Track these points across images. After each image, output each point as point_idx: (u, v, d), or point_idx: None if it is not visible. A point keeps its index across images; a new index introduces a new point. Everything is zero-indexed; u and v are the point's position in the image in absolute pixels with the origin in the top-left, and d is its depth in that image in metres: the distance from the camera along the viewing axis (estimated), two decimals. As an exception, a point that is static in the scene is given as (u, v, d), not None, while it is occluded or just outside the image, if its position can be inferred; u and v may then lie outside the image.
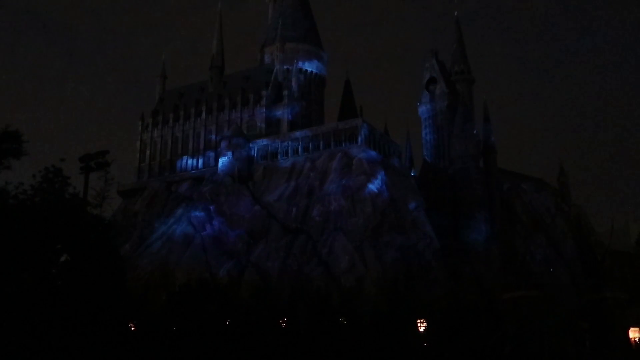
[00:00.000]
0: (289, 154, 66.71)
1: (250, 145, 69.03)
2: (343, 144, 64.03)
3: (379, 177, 61.56)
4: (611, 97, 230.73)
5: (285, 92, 72.74)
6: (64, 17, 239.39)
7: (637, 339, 45.11)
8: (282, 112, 72.00)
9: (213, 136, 74.02)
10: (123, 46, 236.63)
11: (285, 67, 75.82)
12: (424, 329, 37.09)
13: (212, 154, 72.99)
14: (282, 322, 38.99)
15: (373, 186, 60.13)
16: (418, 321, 37.68)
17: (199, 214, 62.65)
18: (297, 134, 67.80)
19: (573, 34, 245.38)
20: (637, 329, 45.54)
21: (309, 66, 79.86)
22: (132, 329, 33.46)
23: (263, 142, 68.99)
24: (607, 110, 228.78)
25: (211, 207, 62.83)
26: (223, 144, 68.87)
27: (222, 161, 68.22)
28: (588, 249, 74.98)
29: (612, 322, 44.68)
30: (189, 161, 74.89)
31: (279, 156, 67.24)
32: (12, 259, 15.64)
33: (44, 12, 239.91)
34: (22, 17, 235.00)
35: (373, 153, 64.39)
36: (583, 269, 70.11)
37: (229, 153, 67.88)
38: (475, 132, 73.42)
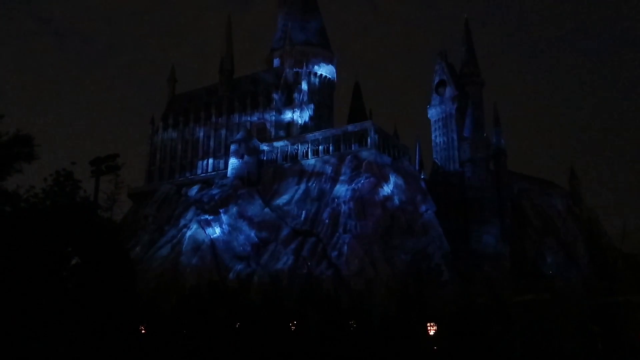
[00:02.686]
0: (299, 157, 66.78)
1: (260, 148, 69.18)
2: (353, 147, 64.02)
3: (389, 180, 61.47)
4: (623, 99, 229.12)
5: (295, 95, 72.83)
6: (74, 22, 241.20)
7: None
8: (292, 115, 72.12)
9: (223, 139, 74.24)
10: (133, 50, 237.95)
11: (294, 70, 75.95)
12: (434, 333, 36.90)
13: (221, 157, 73.22)
14: (291, 325, 38.94)
15: (383, 189, 60.04)
16: (428, 325, 37.48)
17: (208, 217, 62.76)
18: (307, 137, 67.84)
19: (584, 35, 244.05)
20: (650, 332, 45.07)
21: (319, 69, 79.95)
22: (143, 331, 33.59)
23: (273, 145, 69.10)
24: (619, 112, 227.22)
25: (221, 210, 62.93)
26: (233, 147, 69.02)
27: (232, 164, 68.37)
28: (600, 251, 74.49)
29: (625, 325, 44.29)
30: (199, 164, 75.17)
31: (288, 159, 67.34)
32: (23, 261, 15.74)
33: (54, 18, 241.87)
34: (33, 23, 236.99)
35: (383, 156, 64.33)
36: (595, 272, 69.64)
37: (239, 156, 68.01)
38: (485, 135, 73.21)
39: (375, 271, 54.01)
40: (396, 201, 60.65)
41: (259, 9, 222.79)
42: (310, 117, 73.61)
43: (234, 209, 62.73)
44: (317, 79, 79.71)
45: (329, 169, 63.43)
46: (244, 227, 61.78)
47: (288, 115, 72.29)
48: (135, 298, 22.83)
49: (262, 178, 67.27)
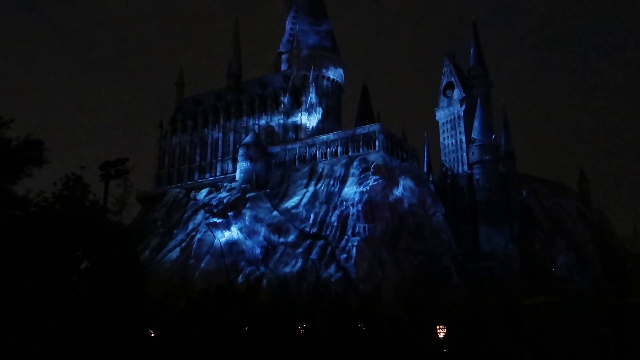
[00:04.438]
0: (307, 160, 66.80)
1: (269, 151, 69.27)
2: (361, 150, 64.01)
3: (398, 182, 61.39)
4: (631, 100, 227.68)
5: (303, 99, 72.92)
6: (83, 26, 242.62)
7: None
8: (300, 119, 72.19)
9: (231, 143, 74.42)
10: (141, 54, 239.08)
11: (303, 73, 76.04)
12: (444, 335, 36.73)
13: (230, 161, 73.39)
14: (300, 328, 38.91)
15: (391, 192, 59.95)
16: (437, 327, 37.32)
17: (217, 220, 62.89)
18: (315, 140, 67.89)
19: (593, 35, 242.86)
20: (662, 335, 44.59)
21: (327, 72, 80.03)
22: (152, 335, 33.62)
23: (281, 148, 69.20)
24: (629, 113, 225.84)
25: (230, 214, 63.05)
26: (241, 151, 69.17)
27: (241, 167, 68.50)
28: (610, 253, 74.00)
29: (636, 328, 43.87)
30: (208, 168, 75.33)
31: (297, 162, 67.39)
32: (33, 265, 15.82)
33: (63, 22, 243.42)
34: (42, 27, 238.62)
35: (391, 158, 64.26)
36: (605, 274, 69.17)
37: (247, 159, 68.16)
38: (494, 136, 72.94)
39: (384, 274, 53.93)
40: (405, 204, 60.54)
41: (266, 13, 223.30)
42: (319, 120, 73.66)
43: (242, 213, 62.84)
44: (325, 82, 79.77)
45: (337, 172, 63.43)
46: (253, 230, 61.85)
47: (296, 118, 72.37)
48: (145, 301, 22.88)
49: (270, 181, 67.36)
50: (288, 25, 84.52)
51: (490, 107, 77.21)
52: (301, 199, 63.03)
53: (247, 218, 62.43)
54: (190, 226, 65.99)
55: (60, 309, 16.26)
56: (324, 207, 61.10)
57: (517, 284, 59.92)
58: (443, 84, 79.73)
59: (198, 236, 62.62)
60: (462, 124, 76.02)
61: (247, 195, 64.61)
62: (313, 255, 56.69)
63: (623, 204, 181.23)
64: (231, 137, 74.92)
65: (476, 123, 73.14)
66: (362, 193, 59.17)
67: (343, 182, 62.06)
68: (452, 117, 77.30)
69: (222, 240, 61.41)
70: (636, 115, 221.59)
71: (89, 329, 16.77)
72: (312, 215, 60.84)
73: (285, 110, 72.58)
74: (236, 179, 68.95)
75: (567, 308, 42.78)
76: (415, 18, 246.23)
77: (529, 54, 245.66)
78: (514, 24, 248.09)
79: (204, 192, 71.31)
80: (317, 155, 66.55)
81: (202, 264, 59.45)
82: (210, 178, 74.09)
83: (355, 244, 55.59)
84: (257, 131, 72.06)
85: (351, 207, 58.82)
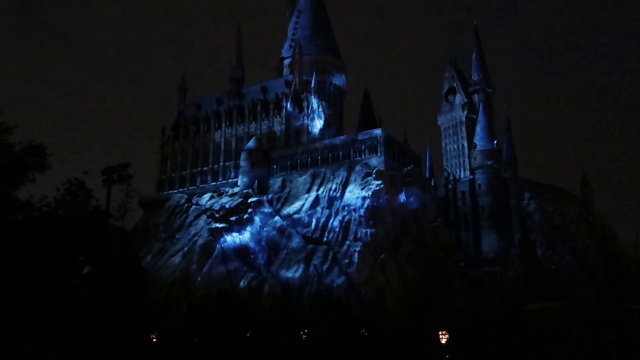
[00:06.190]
0: (309, 165, 66.81)
1: (271, 156, 69.32)
2: (363, 155, 64.04)
3: (399, 187, 61.37)
4: (635, 105, 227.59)
5: (305, 104, 72.99)
6: (85, 32, 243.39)
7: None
8: (302, 124, 72.25)
9: (233, 148, 74.49)
10: (143, 59, 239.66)
11: (305, 78, 76.15)
12: (446, 341, 36.68)
13: (232, 166, 73.44)
14: (302, 334, 38.87)
15: (393, 197, 59.92)
16: (440, 333, 37.27)
17: (219, 225, 62.90)
18: (317, 144, 67.94)
19: (595, 40, 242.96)
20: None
21: (329, 78, 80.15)
22: (154, 340, 33.61)
23: (283, 153, 69.24)
24: (631, 118, 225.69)
25: (232, 219, 63.06)
26: (243, 156, 69.26)
27: (242, 173, 68.56)
28: (613, 259, 73.86)
29: (639, 334, 43.78)
30: (210, 173, 75.38)
31: (298, 167, 67.38)
32: (35, 270, 15.85)
33: (65, 28, 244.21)
34: (44, 33, 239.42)
35: (393, 163, 64.27)
36: (608, 279, 69.04)
37: (249, 165, 68.21)
38: (496, 141, 72.97)
39: (386, 279, 53.86)
40: (407, 209, 60.50)
41: (269, 18, 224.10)
42: (321, 126, 73.73)
43: (244, 218, 62.85)
44: (327, 88, 79.89)
45: (339, 177, 63.43)
46: (255, 235, 61.84)
47: (298, 123, 72.45)
48: (147, 306, 22.89)
49: (272, 186, 67.39)
50: (290, 31, 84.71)
51: (492, 113, 77.33)
52: (303, 204, 63.03)
53: (248, 223, 62.38)
54: (193, 231, 65.97)
55: (63, 314, 16.28)
56: (326, 212, 61.07)
57: (519, 290, 59.87)
58: (445, 89, 79.87)
59: (200, 241, 62.61)
60: (464, 129, 76.12)
61: (249, 201, 64.67)
62: (315, 261, 56.64)
63: (626, 209, 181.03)
64: (233, 142, 75.01)
65: (478, 128, 73.22)
66: (364, 198, 59.16)
67: (345, 187, 62.06)
68: (454, 123, 77.40)
69: (224, 245, 61.39)
70: (639, 121, 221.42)
71: (91, 334, 16.79)
72: (314, 221, 60.81)
73: (287, 116, 72.68)
74: (238, 184, 69.00)
75: (570, 313, 42.74)
76: (417, 23, 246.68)
77: (531, 59, 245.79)
78: (516, 30, 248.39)
79: (206, 197, 71.33)
80: (319, 160, 66.57)
81: (204, 269, 59.42)
82: (212, 183, 74.14)
83: (357, 249, 55.53)
84: (259, 136, 72.13)
85: (353, 212, 58.79)
